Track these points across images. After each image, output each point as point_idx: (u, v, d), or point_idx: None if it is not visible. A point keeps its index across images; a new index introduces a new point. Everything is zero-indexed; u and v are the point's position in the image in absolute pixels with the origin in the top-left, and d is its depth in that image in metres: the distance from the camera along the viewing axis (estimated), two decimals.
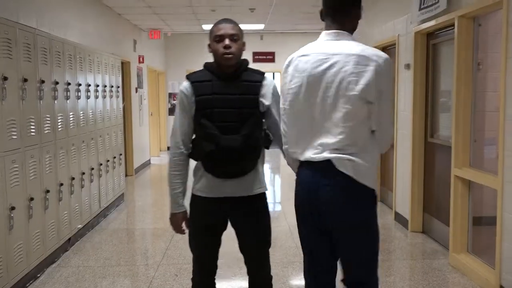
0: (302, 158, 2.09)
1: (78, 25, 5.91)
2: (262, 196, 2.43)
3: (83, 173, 4.93)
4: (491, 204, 3.62)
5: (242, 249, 2.49)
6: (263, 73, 2.40)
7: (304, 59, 2.08)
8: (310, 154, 2.05)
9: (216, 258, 2.48)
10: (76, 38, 5.59)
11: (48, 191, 4.03)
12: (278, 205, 6.75)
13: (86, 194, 5.05)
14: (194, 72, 2.39)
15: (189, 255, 2.51)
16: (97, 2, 6.82)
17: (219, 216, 2.38)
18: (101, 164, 5.54)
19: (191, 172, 2.42)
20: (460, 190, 4.02)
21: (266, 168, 10.03)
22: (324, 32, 2.16)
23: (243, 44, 2.35)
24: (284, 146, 2.19)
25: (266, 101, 2.33)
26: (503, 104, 3.28)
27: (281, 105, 2.16)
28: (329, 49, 2.07)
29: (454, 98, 4.00)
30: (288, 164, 2.27)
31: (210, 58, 2.38)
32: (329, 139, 2.00)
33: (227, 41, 2.25)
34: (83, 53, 5.09)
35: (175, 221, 2.41)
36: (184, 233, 2.42)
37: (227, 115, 2.26)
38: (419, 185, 4.96)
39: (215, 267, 2.49)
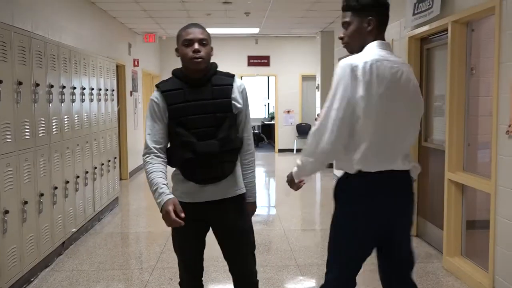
0: (380, 169, 2.08)
1: (73, 29, 5.91)
2: (241, 197, 2.44)
3: (78, 177, 4.92)
4: (484, 208, 3.65)
5: (225, 253, 2.49)
6: (233, 75, 2.41)
7: (381, 66, 2.05)
8: (399, 164, 2.12)
9: (201, 260, 2.48)
10: (71, 42, 5.59)
11: (42, 195, 4.02)
12: (273, 209, 6.76)
13: (81, 198, 5.04)
14: (164, 81, 2.38)
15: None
16: (92, 5, 6.82)
17: (200, 219, 2.39)
18: (95, 168, 5.52)
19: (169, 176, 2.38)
20: (453, 194, 4.04)
21: (261, 172, 10.06)
22: (379, 42, 2.17)
23: (211, 49, 2.36)
24: (341, 154, 2.11)
25: (238, 103, 2.35)
26: (496, 108, 3.32)
27: (345, 112, 2.02)
28: (392, 58, 2.13)
29: (448, 102, 4.03)
30: (316, 170, 2.20)
31: None
32: (408, 148, 2.18)
33: (196, 45, 2.26)
34: (78, 57, 5.09)
35: (166, 209, 2.12)
36: (181, 223, 2.11)
37: (202, 121, 2.27)
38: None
39: (201, 268, 2.50)
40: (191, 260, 2.47)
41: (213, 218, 2.41)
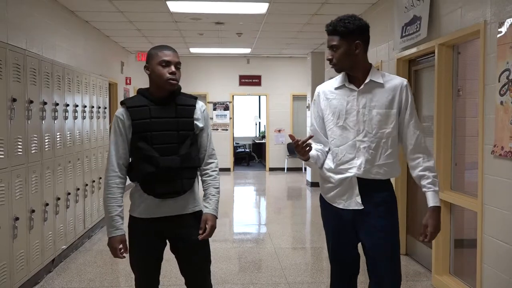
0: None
1: (67, 47, 5.97)
2: (199, 214, 2.50)
3: (69, 193, 4.92)
4: (472, 226, 3.71)
5: (182, 269, 2.55)
6: (195, 97, 2.55)
7: None
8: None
9: (158, 274, 2.55)
10: (65, 59, 5.64)
11: (33, 211, 4.02)
12: (264, 227, 6.77)
13: (71, 215, 5.03)
14: (129, 98, 2.50)
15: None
16: (86, 24, 6.89)
17: (158, 234, 2.45)
18: (86, 185, 5.53)
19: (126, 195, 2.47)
20: (442, 212, 4.09)
21: (251, 191, 10.08)
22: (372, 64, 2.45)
23: None
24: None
25: (200, 123, 2.48)
26: (481, 129, 3.40)
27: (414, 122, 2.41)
28: None
29: (435, 123, 4.12)
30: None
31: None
32: None
33: (173, 68, 2.38)
34: (72, 74, 5.13)
35: (113, 245, 2.39)
36: (123, 257, 2.43)
37: (165, 137, 2.38)
38: (402, 208, 5.04)
39: (158, 282, 2.57)
40: (148, 275, 2.51)
41: (171, 233, 2.47)
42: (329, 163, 2.45)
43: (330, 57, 2.38)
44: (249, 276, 4.41)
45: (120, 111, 2.43)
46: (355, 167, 2.37)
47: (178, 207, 2.44)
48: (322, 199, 2.55)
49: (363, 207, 2.38)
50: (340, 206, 2.42)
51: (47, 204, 4.32)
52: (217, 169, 2.58)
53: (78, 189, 5.23)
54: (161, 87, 2.39)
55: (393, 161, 2.41)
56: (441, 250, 4.12)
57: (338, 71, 2.43)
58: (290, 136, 2.29)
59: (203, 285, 2.56)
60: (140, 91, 2.47)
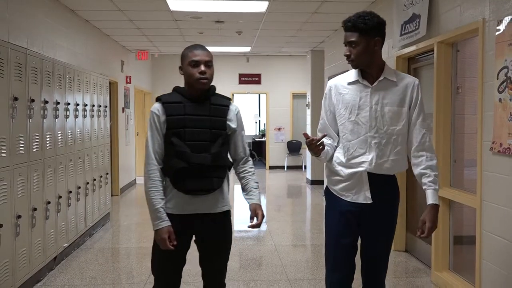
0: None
1: (67, 46, 5.99)
2: (227, 214, 2.55)
3: (70, 192, 4.94)
4: (471, 223, 3.73)
5: (201, 263, 2.58)
6: (229, 99, 2.59)
7: None
8: None
9: (180, 277, 2.56)
10: (65, 58, 5.66)
11: (35, 209, 4.04)
12: (264, 224, 6.80)
13: (73, 213, 5.06)
14: (166, 94, 2.53)
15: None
16: (86, 23, 6.91)
17: (185, 232, 2.47)
18: (87, 183, 5.55)
19: None
20: (441, 209, 4.12)
21: None
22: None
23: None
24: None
25: (233, 124, 2.51)
26: (480, 126, 3.43)
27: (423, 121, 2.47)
28: None
29: (434, 120, 4.15)
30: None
31: None
32: None
33: (203, 67, 2.41)
34: (73, 73, 5.16)
35: (162, 236, 2.38)
36: (173, 248, 2.40)
37: (198, 134, 2.41)
38: (402, 205, 5.07)
39: (179, 285, 2.57)
40: (169, 276, 2.52)
41: (198, 230, 2.49)
42: (339, 157, 2.47)
43: (348, 53, 2.40)
44: (250, 273, 4.44)
45: (156, 106, 2.46)
46: (366, 162, 2.40)
47: (207, 205, 2.45)
48: (328, 191, 2.57)
49: (371, 202, 2.41)
50: (348, 199, 2.45)
51: (49, 202, 4.34)
52: (253, 167, 2.63)
53: (80, 187, 5.26)
54: (193, 86, 2.43)
55: (401, 157, 2.46)
56: (440, 246, 4.15)
57: (355, 67, 2.45)
58: (304, 134, 2.33)
59: (219, 282, 2.61)
60: (176, 89, 2.52)
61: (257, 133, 15.53)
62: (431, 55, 4.35)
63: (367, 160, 2.40)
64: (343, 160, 2.45)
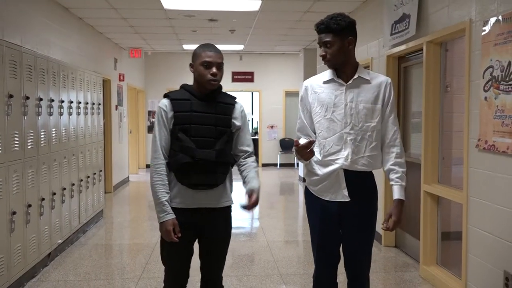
0: None
1: (61, 43, 6.01)
2: (229, 209, 2.63)
3: (64, 189, 4.98)
4: (458, 220, 3.82)
5: (201, 255, 2.65)
6: (235, 97, 2.67)
7: None
8: None
9: (188, 267, 2.63)
10: (59, 56, 5.69)
11: (30, 206, 4.08)
12: (257, 221, 6.87)
13: (66, 210, 5.10)
14: (173, 91, 2.61)
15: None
16: (80, 21, 6.93)
17: (190, 225, 2.53)
18: (81, 180, 5.59)
19: None
20: (429, 205, 4.23)
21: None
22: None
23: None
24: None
25: (238, 122, 2.59)
26: (467, 123, 3.52)
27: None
28: None
29: (423, 118, 4.23)
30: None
31: (190, 77, 2.55)
32: None
33: (214, 69, 2.48)
34: (66, 71, 5.19)
35: (166, 228, 2.45)
36: (177, 240, 2.46)
37: (203, 131, 2.48)
38: (391, 202, 5.14)
39: (187, 276, 2.65)
40: (178, 267, 2.59)
41: (201, 224, 2.55)
42: (316, 155, 2.54)
43: (323, 53, 2.48)
44: (242, 269, 4.51)
45: (163, 102, 2.53)
46: (342, 158, 2.47)
47: (210, 200, 2.52)
48: (307, 192, 2.64)
49: (349, 199, 2.48)
50: (327, 199, 2.53)
51: (43, 199, 4.38)
52: (256, 163, 2.69)
53: (73, 184, 5.30)
54: (202, 86, 2.50)
55: (377, 154, 2.53)
56: (428, 242, 4.25)
57: (332, 67, 2.53)
58: (296, 142, 2.40)
59: (216, 275, 2.69)
60: (184, 86, 2.59)
61: (250, 131, 15.59)
62: (420, 55, 4.43)
63: (343, 156, 2.47)
64: (319, 157, 2.52)
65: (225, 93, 2.63)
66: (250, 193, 2.51)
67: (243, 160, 2.64)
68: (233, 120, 2.57)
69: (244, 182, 2.60)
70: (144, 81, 12.10)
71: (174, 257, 2.58)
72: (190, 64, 2.56)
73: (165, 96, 2.56)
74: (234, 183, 2.67)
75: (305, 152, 2.38)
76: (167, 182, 2.49)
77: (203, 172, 2.47)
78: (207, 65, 2.48)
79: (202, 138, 2.47)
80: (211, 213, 2.54)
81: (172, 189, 2.52)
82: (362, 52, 5.88)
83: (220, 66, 2.52)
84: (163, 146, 2.50)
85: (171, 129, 2.49)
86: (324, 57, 2.49)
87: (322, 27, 2.46)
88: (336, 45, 2.43)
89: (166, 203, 2.47)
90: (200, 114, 2.49)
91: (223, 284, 2.72)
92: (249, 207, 2.48)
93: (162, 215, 2.46)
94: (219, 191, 2.54)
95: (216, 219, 2.57)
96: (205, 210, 2.53)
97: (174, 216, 2.47)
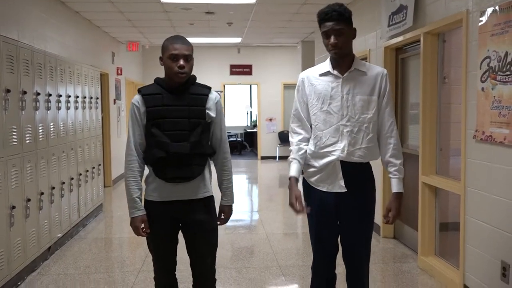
0: None
1: (58, 38, 6.00)
2: (209, 199, 2.63)
3: (63, 183, 4.99)
4: (456, 211, 3.84)
5: (188, 251, 2.66)
6: (209, 88, 2.63)
7: None
8: None
9: (175, 255, 2.66)
10: (56, 50, 5.68)
11: (29, 200, 4.09)
12: (256, 213, 6.89)
13: (66, 204, 5.11)
14: (146, 86, 2.61)
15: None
16: (77, 14, 6.91)
17: (171, 217, 2.56)
18: (80, 174, 5.60)
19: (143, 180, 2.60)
20: (427, 196, 4.24)
21: (243, 179, 10.19)
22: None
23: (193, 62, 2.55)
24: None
25: (212, 113, 2.57)
26: (464, 114, 3.53)
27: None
28: None
29: (421, 109, 4.24)
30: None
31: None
32: None
33: (181, 62, 2.45)
34: (64, 65, 5.18)
35: (136, 224, 2.53)
36: (145, 235, 2.56)
37: (177, 124, 2.48)
38: (390, 193, 5.15)
39: (175, 263, 2.68)
40: (165, 256, 2.64)
41: (182, 217, 2.57)
42: (311, 148, 2.55)
43: (335, 41, 2.40)
44: (242, 261, 4.53)
45: (136, 98, 2.53)
46: (338, 150, 2.48)
47: (188, 192, 2.53)
48: (305, 183, 2.65)
49: (346, 190, 2.49)
50: (324, 189, 2.53)
51: (42, 193, 4.39)
52: (229, 158, 2.69)
53: (72, 178, 5.31)
54: (171, 79, 2.49)
55: (373, 145, 2.54)
56: (427, 233, 4.27)
57: (341, 56, 2.47)
58: (301, 207, 2.47)
59: (206, 269, 2.66)
60: (156, 80, 2.58)
61: (249, 124, 15.59)
62: (418, 46, 4.43)
63: (339, 148, 2.47)
64: (315, 149, 2.53)
65: (199, 84, 2.60)
66: (221, 211, 2.67)
67: (216, 158, 2.65)
68: (207, 111, 2.54)
69: (219, 189, 2.69)
70: (142, 74, 12.07)
71: (158, 247, 2.62)
72: (160, 58, 2.53)
73: (138, 91, 2.56)
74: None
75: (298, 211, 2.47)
76: (139, 179, 2.54)
77: (178, 165, 2.48)
78: (174, 57, 2.44)
79: (176, 131, 2.47)
80: (190, 205, 2.55)
81: (151, 183, 2.55)
82: (360, 43, 5.87)
83: (187, 58, 2.46)
84: (138, 142, 2.52)
85: (145, 125, 2.50)
86: (335, 46, 2.42)
87: (335, 14, 2.39)
88: (347, 33, 2.43)
89: (137, 199, 2.51)
90: (172, 107, 2.48)
91: (222, 277, 2.74)
92: (220, 224, 2.67)
93: (133, 211, 2.52)
94: (196, 183, 2.54)
95: (196, 211, 2.57)
96: (183, 202, 2.54)
97: (144, 213, 2.53)
